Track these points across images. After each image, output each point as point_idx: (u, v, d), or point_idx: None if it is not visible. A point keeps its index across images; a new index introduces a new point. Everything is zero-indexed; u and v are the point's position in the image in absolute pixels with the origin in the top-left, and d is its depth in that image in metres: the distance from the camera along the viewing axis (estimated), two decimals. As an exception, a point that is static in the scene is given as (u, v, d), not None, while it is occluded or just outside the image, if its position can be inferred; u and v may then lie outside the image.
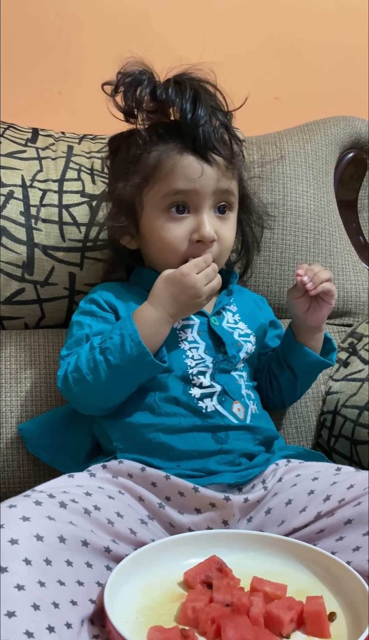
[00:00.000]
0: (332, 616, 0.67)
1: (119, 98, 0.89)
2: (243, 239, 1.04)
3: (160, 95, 0.88)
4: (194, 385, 0.88)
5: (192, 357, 0.90)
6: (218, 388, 0.89)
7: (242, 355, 0.93)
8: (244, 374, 0.94)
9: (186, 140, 0.88)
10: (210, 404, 0.88)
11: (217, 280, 0.88)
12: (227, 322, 0.96)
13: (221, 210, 0.91)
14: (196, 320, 0.93)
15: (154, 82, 0.89)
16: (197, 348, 0.91)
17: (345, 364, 1.11)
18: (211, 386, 0.89)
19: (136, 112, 0.90)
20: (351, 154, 1.23)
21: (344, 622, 0.66)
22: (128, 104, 0.89)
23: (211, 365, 0.90)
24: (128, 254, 0.99)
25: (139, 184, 0.90)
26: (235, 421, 0.88)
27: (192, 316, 0.93)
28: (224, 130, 0.90)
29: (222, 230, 0.91)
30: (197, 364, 0.89)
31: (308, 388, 1.04)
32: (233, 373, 0.92)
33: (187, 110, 0.87)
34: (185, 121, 0.87)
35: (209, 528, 0.81)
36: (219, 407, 0.88)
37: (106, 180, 1.10)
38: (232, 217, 0.93)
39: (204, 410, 0.87)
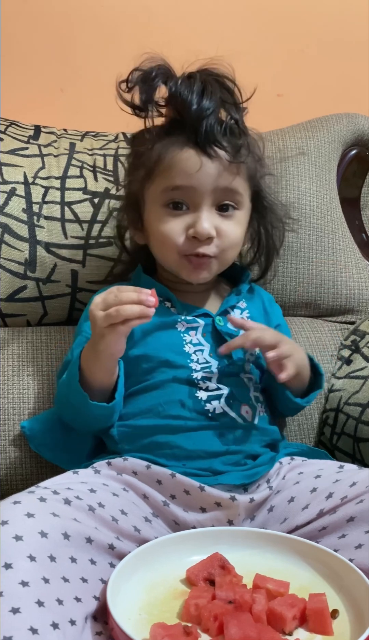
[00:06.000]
0: (335, 613, 0.67)
1: (132, 94, 0.88)
2: (258, 240, 0.99)
3: (170, 89, 0.86)
4: (201, 388, 0.87)
5: (197, 361, 0.89)
6: (226, 391, 0.88)
7: (247, 357, 0.92)
8: (252, 376, 0.92)
9: (189, 134, 0.86)
10: (218, 406, 0.87)
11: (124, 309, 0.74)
12: None
13: (224, 209, 0.89)
14: (200, 322, 0.92)
15: (168, 76, 0.87)
16: (202, 351, 0.90)
17: (348, 361, 1.11)
18: (217, 389, 0.88)
19: (148, 107, 0.88)
20: (353, 151, 1.22)
21: (347, 620, 0.66)
22: (142, 98, 0.87)
23: (216, 370, 0.89)
24: (138, 253, 0.99)
25: (142, 178, 0.90)
26: (243, 423, 0.87)
27: (197, 318, 0.92)
28: (234, 124, 0.87)
29: (224, 226, 0.88)
30: (202, 368, 0.88)
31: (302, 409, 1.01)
32: (241, 375, 0.91)
33: (193, 102, 0.84)
34: (189, 113, 0.85)
35: (213, 527, 0.81)
36: (227, 409, 0.87)
37: (109, 178, 1.10)
38: (238, 214, 0.90)
39: (210, 413, 0.86)
